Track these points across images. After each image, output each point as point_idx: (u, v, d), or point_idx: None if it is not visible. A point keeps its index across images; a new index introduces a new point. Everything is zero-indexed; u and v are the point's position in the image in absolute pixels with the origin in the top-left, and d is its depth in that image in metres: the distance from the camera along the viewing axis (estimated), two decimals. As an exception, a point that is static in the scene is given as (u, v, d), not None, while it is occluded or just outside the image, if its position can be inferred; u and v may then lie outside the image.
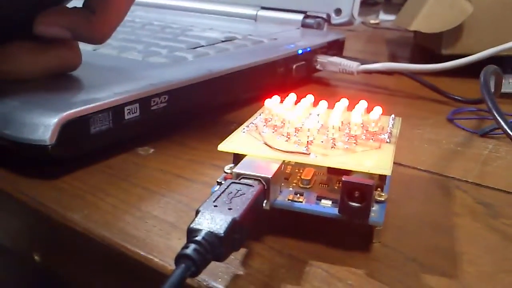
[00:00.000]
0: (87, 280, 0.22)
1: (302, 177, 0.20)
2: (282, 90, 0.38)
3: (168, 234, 0.20)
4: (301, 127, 0.20)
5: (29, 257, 0.24)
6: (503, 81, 0.40)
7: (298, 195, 0.19)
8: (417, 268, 0.18)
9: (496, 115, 0.23)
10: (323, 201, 0.19)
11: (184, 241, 0.15)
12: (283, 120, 0.21)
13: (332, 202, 0.19)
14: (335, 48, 0.43)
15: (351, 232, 0.20)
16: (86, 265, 0.22)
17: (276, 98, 0.23)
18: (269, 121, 0.22)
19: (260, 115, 0.23)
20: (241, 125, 0.22)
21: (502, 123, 0.23)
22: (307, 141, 0.19)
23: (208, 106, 0.32)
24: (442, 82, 0.39)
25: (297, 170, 0.21)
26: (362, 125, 0.21)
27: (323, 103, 0.23)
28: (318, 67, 0.41)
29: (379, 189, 0.20)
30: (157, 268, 0.18)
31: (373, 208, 0.19)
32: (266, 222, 0.19)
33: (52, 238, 0.23)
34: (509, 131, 0.22)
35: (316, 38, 0.43)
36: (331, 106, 0.24)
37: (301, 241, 0.19)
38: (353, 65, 0.40)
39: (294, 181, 0.20)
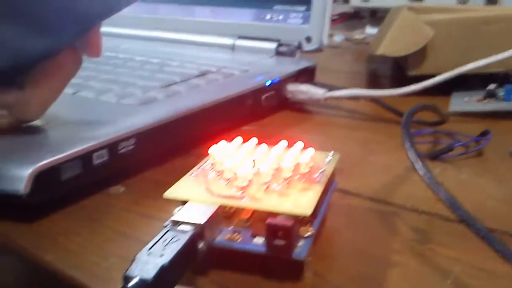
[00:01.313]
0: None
1: (242, 217, 0.22)
2: (253, 119, 0.41)
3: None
4: (237, 173, 0.23)
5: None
6: (466, 99, 0.43)
7: (236, 233, 0.22)
8: (340, 297, 0.21)
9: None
10: (256, 238, 0.21)
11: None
12: (224, 166, 0.23)
13: (264, 239, 0.21)
14: (306, 75, 0.46)
15: (285, 264, 0.22)
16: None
17: (220, 144, 0.25)
18: (215, 165, 0.24)
19: (207, 160, 0.25)
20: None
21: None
22: (241, 186, 0.22)
23: (177, 144, 0.34)
24: (409, 102, 0.41)
25: (240, 210, 0.23)
26: (293, 167, 0.23)
27: (262, 148, 0.25)
28: (288, 95, 0.43)
29: (309, 224, 0.22)
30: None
31: (299, 244, 0.21)
32: (209, 258, 0.22)
33: (33, 276, 0.26)
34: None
35: (287, 66, 0.46)
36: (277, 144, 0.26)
37: (240, 274, 0.22)
38: (320, 93, 0.42)
39: (235, 220, 0.23)
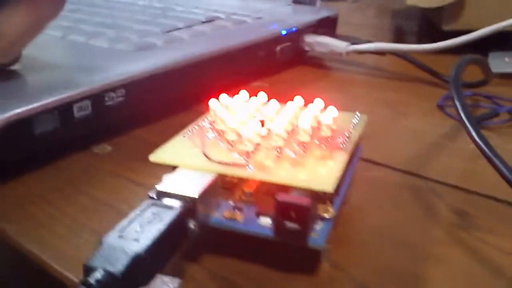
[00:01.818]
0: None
1: (245, 190, 0.18)
2: (265, 74, 0.36)
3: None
4: (243, 134, 0.18)
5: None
6: (507, 59, 0.37)
7: (237, 210, 0.17)
8: (364, 295, 0.16)
9: (464, 118, 0.20)
10: (261, 218, 0.17)
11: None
12: (225, 125, 0.19)
13: (273, 220, 0.17)
14: (327, 26, 0.41)
15: (298, 250, 0.18)
16: (20, 278, 0.21)
17: (222, 98, 0.21)
18: (215, 124, 0.20)
19: (206, 117, 0.21)
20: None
21: (471, 129, 0.20)
22: (246, 151, 0.17)
23: (175, 98, 0.30)
24: (442, 61, 0.36)
25: (243, 181, 0.19)
26: (312, 131, 0.18)
27: (272, 104, 0.20)
28: (306, 47, 0.38)
29: (328, 202, 0.17)
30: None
31: (317, 228, 0.16)
32: (202, 239, 0.18)
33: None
34: (478, 140, 0.19)
35: (306, 15, 0.40)
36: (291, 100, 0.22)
37: (240, 261, 0.17)
38: (342, 46, 0.37)
39: (237, 193, 0.18)
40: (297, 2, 0.45)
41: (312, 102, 0.21)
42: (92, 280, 0.13)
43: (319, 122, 0.19)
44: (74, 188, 0.23)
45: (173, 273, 0.16)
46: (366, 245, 0.19)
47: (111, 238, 0.14)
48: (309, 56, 0.40)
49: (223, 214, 0.17)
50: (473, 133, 0.19)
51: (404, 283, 0.17)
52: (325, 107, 0.20)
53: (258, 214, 0.17)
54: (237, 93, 0.22)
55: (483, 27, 0.36)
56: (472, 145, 0.21)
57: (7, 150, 0.22)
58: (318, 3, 0.44)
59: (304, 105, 0.21)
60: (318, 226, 0.17)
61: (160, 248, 0.14)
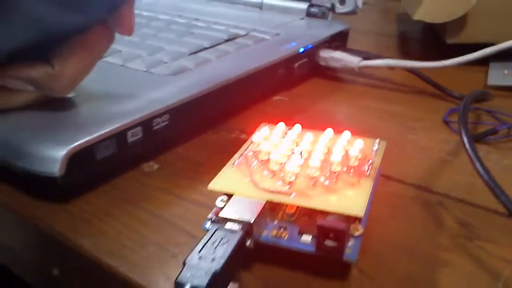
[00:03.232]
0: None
1: (286, 211, 0.22)
2: (284, 88, 0.39)
3: (165, 263, 0.22)
4: (284, 165, 0.22)
5: (48, 271, 0.27)
6: (506, 72, 0.41)
7: (282, 229, 0.21)
8: (388, 298, 0.20)
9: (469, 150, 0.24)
10: (303, 236, 0.21)
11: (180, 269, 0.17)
12: (269, 157, 0.22)
13: (312, 237, 0.20)
14: (339, 40, 0.44)
15: (333, 262, 0.21)
16: (95, 286, 0.24)
17: (264, 130, 0.24)
18: (258, 154, 0.23)
19: (249, 145, 0.24)
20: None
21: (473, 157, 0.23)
22: (289, 181, 0.21)
23: (209, 117, 0.33)
24: (448, 73, 0.40)
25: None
26: (342, 160, 0.22)
27: (308, 136, 0.24)
28: (321, 62, 0.42)
29: (357, 222, 0.21)
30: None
31: (349, 244, 0.20)
32: (254, 253, 0.21)
33: (66, 257, 0.26)
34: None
35: (320, 30, 0.44)
36: (323, 126, 0.25)
37: (285, 270, 0.21)
38: (355, 61, 0.40)
39: (280, 213, 0.22)
40: (310, 15, 0.48)
41: (341, 131, 0.24)
42: (183, 294, 0.16)
43: (347, 152, 0.23)
44: (132, 204, 0.26)
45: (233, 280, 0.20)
46: (385, 254, 0.22)
47: (193, 259, 0.18)
48: (322, 69, 0.43)
49: (271, 233, 0.21)
50: (473, 158, 0.22)
51: (416, 285, 0.20)
52: (352, 136, 0.24)
53: (300, 232, 0.21)
54: (269, 116, 0.25)
55: (484, 40, 0.39)
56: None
57: (73, 175, 0.26)
58: (330, 16, 0.47)
59: (335, 133, 0.24)
60: (350, 242, 0.20)
61: (230, 264, 0.18)
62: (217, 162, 0.24)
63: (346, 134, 0.24)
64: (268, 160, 0.23)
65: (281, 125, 0.25)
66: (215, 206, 0.22)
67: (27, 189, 0.27)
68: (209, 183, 0.27)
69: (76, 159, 0.25)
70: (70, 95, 0.30)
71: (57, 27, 0.26)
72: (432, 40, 0.52)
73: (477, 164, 0.22)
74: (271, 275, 0.21)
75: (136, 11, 0.49)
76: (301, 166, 0.22)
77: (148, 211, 0.26)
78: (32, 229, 0.26)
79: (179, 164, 0.30)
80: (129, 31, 0.29)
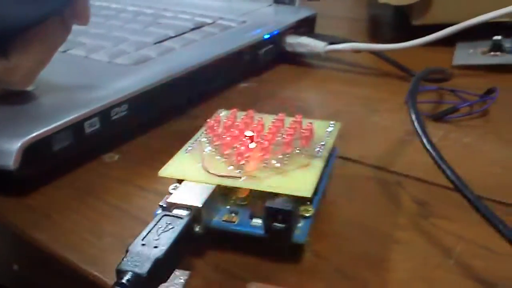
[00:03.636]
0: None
1: (239, 196, 0.22)
2: (250, 75, 0.39)
3: (122, 254, 0.22)
4: (236, 149, 0.22)
5: (9, 267, 0.27)
6: (471, 51, 0.41)
7: (233, 214, 0.21)
8: (340, 278, 0.20)
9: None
10: (254, 220, 0.21)
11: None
12: (221, 141, 0.22)
13: (263, 222, 0.20)
14: (306, 25, 0.44)
15: (284, 244, 0.21)
16: (54, 279, 0.24)
17: (217, 115, 0.24)
18: (211, 139, 0.23)
19: (203, 132, 0.24)
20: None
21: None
22: (240, 165, 0.21)
23: (173, 106, 0.33)
24: (415, 55, 0.40)
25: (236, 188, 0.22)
26: (293, 143, 0.22)
27: (260, 120, 0.24)
28: (287, 48, 0.42)
29: (308, 203, 0.21)
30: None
31: (299, 225, 0.20)
32: (205, 238, 0.21)
33: (25, 253, 0.26)
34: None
35: (286, 16, 0.44)
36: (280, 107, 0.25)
37: (237, 255, 0.21)
38: (321, 46, 0.40)
39: (233, 198, 0.22)
40: (278, 2, 0.48)
41: (294, 113, 0.24)
42: (124, 280, 0.16)
43: (299, 134, 0.23)
44: (90, 196, 0.26)
45: (183, 268, 0.20)
46: (341, 235, 0.22)
47: (136, 246, 0.18)
48: (289, 55, 0.43)
49: (222, 218, 0.21)
50: (421, 135, 0.22)
51: (372, 265, 0.21)
52: (305, 118, 0.24)
53: (251, 217, 0.21)
54: (234, 103, 0.25)
55: (450, 21, 0.39)
56: (435, 140, 0.25)
57: (29, 167, 0.25)
58: (297, 2, 0.47)
59: (287, 116, 0.24)
60: (300, 224, 0.20)
61: (174, 250, 0.18)
62: (178, 150, 0.24)
63: (298, 116, 0.24)
64: (221, 144, 0.22)
65: (235, 111, 0.25)
66: (168, 193, 0.22)
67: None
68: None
69: (31, 151, 0.25)
70: (29, 88, 0.30)
71: (13, 20, 0.26)
72: (402, 23, 0.52)
73: (424, 140, 0.22)
74: (223, 260, 0.21)
75: (104, 4, 0.49)
76: (253, 149, 0.22)
77: (108, 202, 0.26)
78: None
79: (140, 154, 0.30)
80: (85, 22, 0.29)
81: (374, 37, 0.50)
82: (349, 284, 0.20)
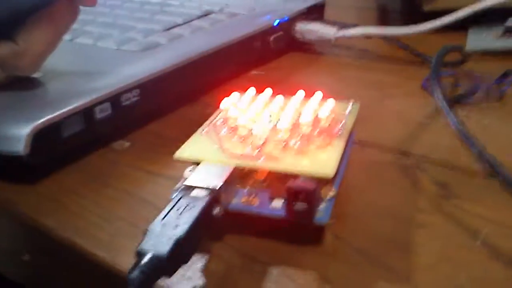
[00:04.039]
0: (68, 280, 0.24)
1: (257, 177, 0.21)
2: (260, 63, 0.39)
3: (133, 238, 0.21)
4: (253, 129, 0.21)
5: (18, 258, 0.26)
6: (484, 35, 0.40)
7: (253, 195, 0.20)
8: (363, 260, 0.19)
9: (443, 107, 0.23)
10: (274, 201, 0.20)
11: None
12: (238, 122, 0.22)
13: (283, 202, 0.20)
14: (315, 12, 0.43)
15: (306, 227, 0.21)
16: (64, 266, 0.24)
17: (232, 97, 0.23)
18: (227, 121, 0.23)
19: (218, 115, 0.23)
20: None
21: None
22: (258, 145, 0.20)
23: (183, 93, 0.32)
24: (427, 41, 0.39)
25: (253, 169, 0.22)
26: (313, 122, 0.21)
27: (278, 99, 0.23)
28: (297, 35, 0.41)
29: (329, 184, 0.20)
30: (122, 272, 0.20)
31: (320, 207, 0.20)
32: (224, 222, 0.21)
33: (36, 241, 0.25)
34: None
35: (295, 3, 0.43)
36: (293, 93, 0.24)
37: (257, 239, 0.21)
38: (331, 32, 0.40)
39: (251, 180, 0.21)
40: (286, -10, 0.47)
41: (312, 93, 0.24)
42: (144, 261, 0.16)
43: (317, 115, 0.22)
44: (100, 182, 0.25)
45: (202, 251, 0.20)
46: (361, 217, 0.22)
47: (156, 226, 0.17)
48: (299, 42, 0.42)
49: (241, 199, 0.20)
50: (448, 115, 0.22)
51: (394, 247, 0.20)
52: (324, 98, 0.23)
53: (271, 198, 0.20)
54: (242, 86, 0.25)
55: (460, 6, 0.38)
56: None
57: (39, 153, 0.25)
58: (306, -10, 0.46)
59: (306, 95, 0.24)
60: (322, 205, 0.20)
61: (195, 231, 0.17)
62: (190, 136, 0.23)
63: (318, 95, 0.23)
64: (237, 126, 0.22)
65: (251, 91, 0.24)
66: (183, 176, 0.21)
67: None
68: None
69: (41, 137, 0.24)
70: (37, 75, 0.29)
71: (20, 3, 0.25)
72: (411, 11, 0.51)
73: (452, 120, 0.21)
74: (243, 243, 0.20)
75: (109, -6, 0.49)
76: (271, 130, 0.21)
77: (118, 188, 0.25)
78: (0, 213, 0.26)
79: (151, 141, 0.29)
80: (92, 2, 0.28)
81: (384, 25, 0.49)
82: (373, 266, 0.19)
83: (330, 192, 0.20)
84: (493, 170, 0.19)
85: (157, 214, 0.21)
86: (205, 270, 0.19)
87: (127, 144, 0.29)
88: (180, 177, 0.23)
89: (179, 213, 0.18)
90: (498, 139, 0.27)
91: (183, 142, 0.26)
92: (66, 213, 0.23)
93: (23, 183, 0.25)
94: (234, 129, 0.22)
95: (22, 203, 0.24)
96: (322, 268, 0.19)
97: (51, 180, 0.26)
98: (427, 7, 0.43)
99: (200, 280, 0.18)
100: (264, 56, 0.39)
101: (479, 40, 0.40)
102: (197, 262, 0.19)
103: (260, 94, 0.24)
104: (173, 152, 0.27)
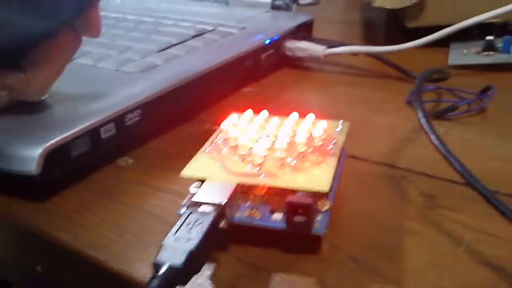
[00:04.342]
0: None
1: (257, 193, 0.23)
2: (252, 80, 0.40)
3: (143, 249, 0.23)
4: (252, 149, 0.23)
5: (32, 268, 0.27)
6: (465, 51, 0.43)
7: (254, 209, 0.22)
8: (355, 267, 0.21)
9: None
10: (275, 214, 0.22)
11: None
12: (237, 142, 0.23)
13: (283, 215, 0.22)
14: (304, 30, 0.45)
15: (304, 238, 0.23)
16: (78, 278, 0.25)
17: (231, 118, 0.25)
18: (227, 141, 0.24)
19: (219, 134, 0.25)
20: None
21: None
22: (258, 163, 0.22)
23: (181, 111, 0.34)
24: (411, 56, 0.41)
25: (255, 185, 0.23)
26: (307, 141, 0.23)
27: (274, 121, 0.25)
28: (287, 52, 0.43)
29: (324, 198, 0.22)
30: (135, 283, 0.21)
31: (317, 218, 0.21)
32: (229, 234, 0.22)
33: (50, 253, 0.26)
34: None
35: (285, 22, 0.45)
36: (285, 109, 0.26)
37: (260, 249, 0.22)
38: (320, 50, 0.42)
39: (251, 195, 0.23)
40: (275, 8, 0.49)
41: (305, 113, 0.26)
42: (161, 272, 0.17)
43: (311, 134, 0.24)
44: (108, 197, 0.27)
45: (210, 261, 0.21)
46: (354, 227, 0.24)
47: (169, 240, 0.19)
48: (290, 58, 0.44)
49: (244, 213, 0.22)
50: (428, 131, 0.24)
51: (384, 254, 0.22)
52: (316, 118, 0.25)
53: (271, 212, 0.22)
54: (240, 107, 0.27)
55: (443, 23, 0.41)
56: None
57: (50, 172, 0.26)
58: (294, 8, 0.49)
59: (299, 116, 0.26)
60: (319, 217, 0.22)
61: (205, 243, 0.19)
62: (190, 153, 0.25)
63: (310, 116, 0.25)
64: (237, 146, 0.24)
65: (249, 112, 0.26)
66: (189, 192, 0.23)
67: (2, 189, 0.27)
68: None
69: (52, 157, 0.26)
70: (43, 97, 0.30)
71: (26, 34, 0.26)
72: (395, 27, 0.53)
73: (432, 136, 0.23)
74: (247, 253, 0.22)
75: (103, 13, 0.50)
76: (269, 149, 0.23)
77: (125, 203, 0.26)
78: (13, 229, 0.27)
79: (153, 157, 0.31)
80: (96, 33, 0.30)
81: (368, 40, 0.51)
82: (365, 272, 0.21)
83: (325, 205, 0.22)
84: (468, 182, 0.21)
85: (164, 227, 0.23)
86: (214, 278, 0.21)
87: (130, 160, 0.30)
88: (183, 192, 0.25)
89: (190, 227, 0.19)
90: (477, 152, 0.29)
91: (183, 158, 0.28)
92: (78, 227, 0.25)
93: (34, 200, 0.27)
94: (234, 148, 0.24)
95: (34, 218, 0.26)
96: (320, 274, 0.21)
97: (61, 197, 0.27)
98: (410, 24, 0.46)
99: (210, 287, 0.20)
100: (256, 73, 0.41)
101: (460, 55, 0.43)
102: (205, 270, 0.21)
103: (257, 116, 0.26)
104: (175, 168, 0.29)
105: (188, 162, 0.26)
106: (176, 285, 0.18)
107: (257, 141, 0.23)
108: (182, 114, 0.34)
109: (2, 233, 0.28)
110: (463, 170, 0.22)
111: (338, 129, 0.26)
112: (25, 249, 0.28)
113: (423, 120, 0.25)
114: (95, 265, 0.23)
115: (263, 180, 0.22)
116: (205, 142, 0.26)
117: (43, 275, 0.27)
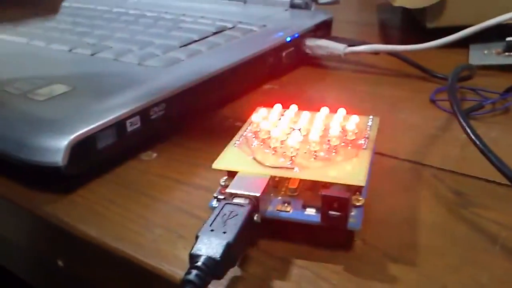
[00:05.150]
0: (105, 286, 0.25)
1: (289, 187, 0.22)
2: (273, 77, 0.40)
3: (173, 243, 0.23)
4: (284, 141, 0.22)
5: (53, 262, 0.27)
6: (486, 52, 0.42)
7: (286, 204, 0.22)
8: (390, 264, 0.21)
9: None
10: (308, 209, 0.21)
11: (188, 249, 0.18)
12: (269, 135, 0.23)
13: (316, 210, 0.21)
14: (323, 29, 0.45)
15: (336, 232, 0.22)
16: (103, 272, 0.25)
17: (262, 111, 0.25)
18: (258, 134, 0.24)
19: (248, 127, 0.25)
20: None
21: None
22: (291, 156, 0.22)
23: (203, 106, 0.34)
24: (430, 56, 0.41)
25: (285, 178, 0.23)
26: (340, 135, 0.23)
27: (305, 114, 0.25)
28: (307, 51, 0.43)
29: (357, 193, 0.22)
30: (166, 277, 0.21)
31: (352, 213, 0.21)
32: (260, 228, 0.22)
33: (73, 247, 0.26)
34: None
35: (304, 20, 0.45)
36: (316, 108, 0.26)
37: (291, 244, 0.22)
38: (340, 48, 0.41)
39: (283, 190, 0.23)
40: (294, 7, 0.49)
41: (335, 108, 0.25)
42: (199, 264, 0.17)
43: (344, 127, 0.23)
44: (133, 190, 0.27)
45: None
46: (386, 223, 0.23)
47: (205, 232, 0.18)
48: (308, 57, 0.44)
49: (276, 207, 0.22)
50: (467, 128, 0.23)
51: (416, 252, 0.21)
52: (347, 113, 0.25)
53: (304, 206, 0.22)
54: (261, 103, 0.26)
55: (463, 23, 0.40)
56: (463, 135, 0.26)
57: (76, 164, 0.26)
58: (313, 7, 0.48)
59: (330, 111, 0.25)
60: (353, 212, 0.21)
61: (241, 236, 0.19)
62: (213, 148, 0.25)
63: (342, 111, 0.25)
64: (269, 138, 0.23)
65: (278, 106, 0.26)
66: (220, 185, 0.23)
67: (26, 181, 0.27)
68: (207, 167, 0.28)
69: (78, 148, 0.26)
70: (66, 88, 0.30)
71: None
72: (412, 27, 0.53)
73: (471, 135, 0.23)
74: (277, 248, 0.22)
75: (122, 10, 0.50)
76: (301, 142, 0.23)
77: (151, 196, 0.26)
78: (36, 221, 0.27)
79: (176, 152, 0.30)
80: None
81: (386, 40, 0.51)
82: (400, 268, 0.21)
83: (359, 200, 0.22)
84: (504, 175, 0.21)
85: (193, 221, 0.23)
86: (246, 273, 0.20)
87: (154, 155, 0.30)
88: (209, 186, 0.25)
89: (224, 220, 0.19)
90: (505, 151, 0.29)
91: (206, 153, 0.28)
92: (104, 220, 0.24)
93: (59, 192, 0.27)
94: (264, 141, 0.24)
95: (60, 211, 0.25)
96: (353, 271, 0.21)
97: (86, 190, 0.27)
98: (431, 25, 0.45)
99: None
100: (276, 71, 0.40)
101: (481, 56, 0.42)
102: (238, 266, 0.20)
103: (287, 110, 0.26)
104: (199, 163, 0.29)
105: (211, 156, 0.26)
106: (212, 278, 0.17)
107: (289, 133, 0.23)
108: (204, 109, 0.34)
109: (23, 226, 0.28)
110: (504, 168, 0.21)
111: (369, 124, 0.25)
112: (48, 243, 0.28)
113: (461, 118, 0.24)
114: (121, 259, 0.23)
115: (298, 173, 0.21)
116: (228, 137, 0.25)
117: (63, 270, 0.27)
